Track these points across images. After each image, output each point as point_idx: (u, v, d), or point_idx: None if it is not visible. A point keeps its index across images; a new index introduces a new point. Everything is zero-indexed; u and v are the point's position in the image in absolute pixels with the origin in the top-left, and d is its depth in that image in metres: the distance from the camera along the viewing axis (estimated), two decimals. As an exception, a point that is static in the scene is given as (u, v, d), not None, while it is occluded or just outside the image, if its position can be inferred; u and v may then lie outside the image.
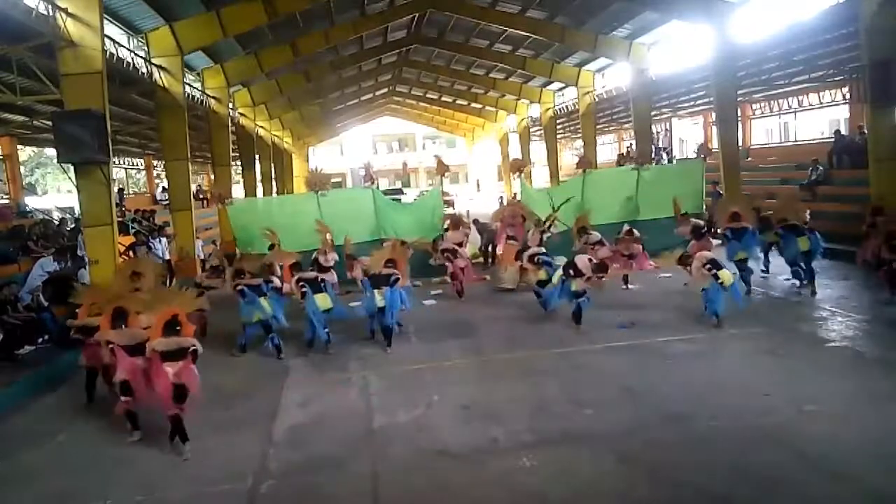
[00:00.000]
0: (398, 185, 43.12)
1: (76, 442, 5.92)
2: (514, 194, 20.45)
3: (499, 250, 12.62)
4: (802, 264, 9.70)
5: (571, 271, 8.31)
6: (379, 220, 12.43)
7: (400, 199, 23.01)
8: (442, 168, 13.37)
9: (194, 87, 16.56)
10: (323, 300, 8.12)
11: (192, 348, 5.56)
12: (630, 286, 10.79)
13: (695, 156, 19.26)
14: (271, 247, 10.13)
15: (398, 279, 8.25)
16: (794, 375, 6.34)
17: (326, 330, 8.13)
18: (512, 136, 36.41)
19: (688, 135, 29.15)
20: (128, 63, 12.31)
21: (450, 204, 13.33)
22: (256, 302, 8.03)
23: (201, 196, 23.91)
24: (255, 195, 22.28)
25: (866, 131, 12.53)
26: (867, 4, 10.44)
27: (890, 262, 8.83)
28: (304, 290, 8.11)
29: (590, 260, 8.44)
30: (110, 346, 5.95)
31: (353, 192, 21.10)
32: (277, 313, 8.19)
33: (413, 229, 11.89)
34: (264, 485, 4.83)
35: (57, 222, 14.82)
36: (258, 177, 24.18)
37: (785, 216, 9.98)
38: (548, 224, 11.55)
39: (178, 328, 5.68)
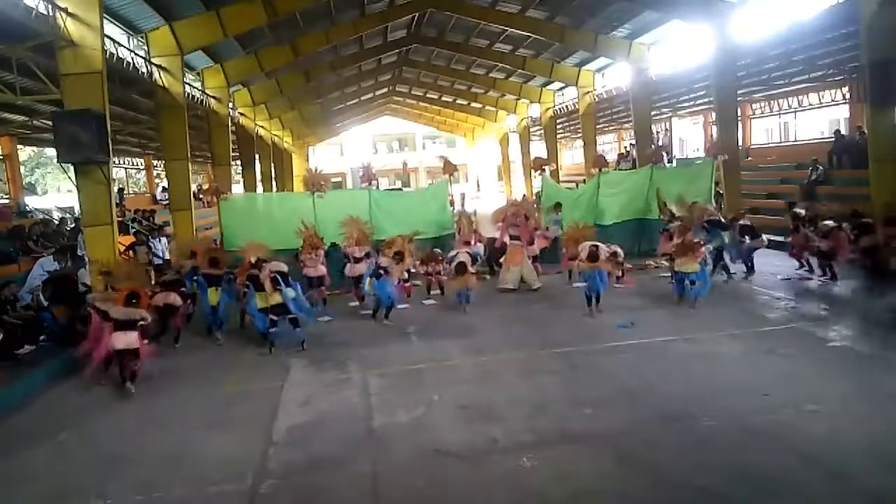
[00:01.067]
0: (398, 184, 43.11)
1: (76, 441, 5.91)
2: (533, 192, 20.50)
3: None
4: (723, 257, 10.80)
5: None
6: (378, 220, 12.35)
7: None
8: (449, 168, 13.17)
9: (194, 87, 16.55)
10: (262, 299, 8.35)
11: (140, 320, 6.66)
12: (620, 285, 10.76)
13: (697, 154, 19.23)
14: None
15: (388, 271, 9.20)
16: (794, 375, 6.34)
17: (274, 329, 8.31)
18: (512, 136, 36.41)
19: (688, 135, 29.13)
20: (128, 63, 12.30)
21: (451, 203, 13.35)
22: (205, 290, 8.86)
23: (201, 196, 23.90)
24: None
25: (866, 131, 12.54)
26: (867, 4, 10.43)
27: (817, 245, 10.05)
28: (246, 288, 8.60)
29: (594, 247, 9.15)
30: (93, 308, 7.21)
31: (349, 192, 21.13)
32: (219, 307, 8.83)
33: (420, 228, 11.43)
34: (264, 485, 4.82)
35: (57, 222, 14.83)
36: (258, 176, 24.19)
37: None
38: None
39: (135, 301, 6.98)
